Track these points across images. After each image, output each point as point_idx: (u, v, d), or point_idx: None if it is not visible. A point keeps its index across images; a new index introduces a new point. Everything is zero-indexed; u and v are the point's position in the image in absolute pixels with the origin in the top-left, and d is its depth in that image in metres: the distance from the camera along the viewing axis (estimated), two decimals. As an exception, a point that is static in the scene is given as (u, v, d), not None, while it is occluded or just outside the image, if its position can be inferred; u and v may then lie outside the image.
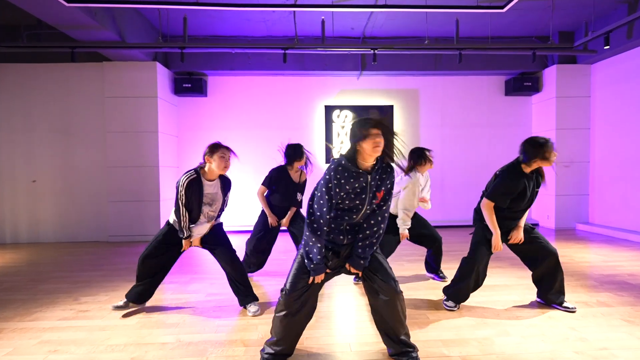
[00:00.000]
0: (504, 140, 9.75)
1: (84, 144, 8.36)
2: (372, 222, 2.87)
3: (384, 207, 2.89)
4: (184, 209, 3.82)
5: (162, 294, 4.66)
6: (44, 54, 8.13)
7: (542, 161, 3.66)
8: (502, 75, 9.79)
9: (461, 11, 6.25)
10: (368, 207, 2.83)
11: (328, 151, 9.42)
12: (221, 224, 4.21)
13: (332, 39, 8.82)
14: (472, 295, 4.15)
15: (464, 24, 8.18)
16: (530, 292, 4.48)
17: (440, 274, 5.15)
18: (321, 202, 2.76)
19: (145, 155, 8.29)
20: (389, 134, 2.72)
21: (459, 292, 4.02)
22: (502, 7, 5.74)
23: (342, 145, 9.51)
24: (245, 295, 4.09)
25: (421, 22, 8.10)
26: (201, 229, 3.96)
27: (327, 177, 2.73)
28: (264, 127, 9.48)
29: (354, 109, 9.53)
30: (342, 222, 2.85)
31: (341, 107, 9.52)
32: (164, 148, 8.61)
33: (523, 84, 9.32)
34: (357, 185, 2.73)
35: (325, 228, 2.78)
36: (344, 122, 9.52)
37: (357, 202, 2.79)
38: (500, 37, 9.03)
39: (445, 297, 4.14)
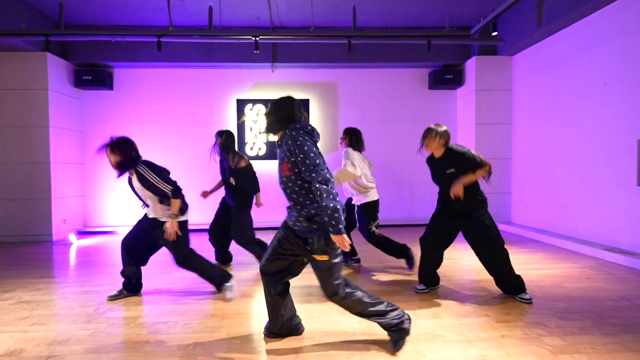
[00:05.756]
0: (429, 136, 9.29)
1: (-31, 138, 7.89)
2: None
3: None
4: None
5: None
6: None
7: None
8: (426, 68, 9.35)
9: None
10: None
11: (240, 144, 8.93)
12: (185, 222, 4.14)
13: (237, 29, 8.36)
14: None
15: (370, 14, 7.76)
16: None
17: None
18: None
19: (36, 151, 7.82)
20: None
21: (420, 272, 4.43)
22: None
23: (255, 142, 9.08)
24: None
25: (329, 12, 7.69)
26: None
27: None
28: (175, 122, 9.04)
29: (267, 103, 9.08)
30: None
31: (254, 101, 9.07)
32: (59, 143, 8.13)
33: (444, 76, 8.89)
34: None
35: None
36: (257, 117, 9.07)
37: None
38: (414, 27, 8.56)
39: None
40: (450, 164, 4.04)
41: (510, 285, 4.10)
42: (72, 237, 7.84)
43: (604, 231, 6.17)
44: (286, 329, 3.20)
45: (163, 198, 3.99)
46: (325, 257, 2.81)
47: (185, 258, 4.10)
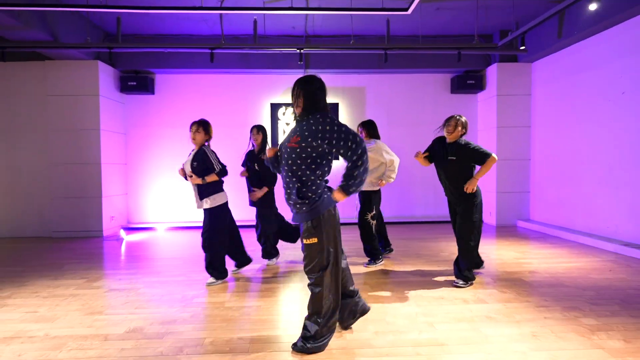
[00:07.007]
0: (451, 137, 9.83)
1: (27, 142, 8.48)
2: None
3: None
4: None
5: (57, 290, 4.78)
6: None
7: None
8: (449, 73, 9.90)
9: (374, 13, 6.34)
10: None
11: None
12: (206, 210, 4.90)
13: (273, 38, 8.93)
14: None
15: (401, 24, 8.30)
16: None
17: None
18: None
19: (88, 153, 8.42)
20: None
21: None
22: (406, 9, 5.83)
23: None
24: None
25: (362, 22, 8.22)
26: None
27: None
28: (212, 124, 9.56)
29: (300, 106, 9.63)
30: None
31: (287, 105, 9.63)
32: (108, 145, 8.72)
33: (466, 82, 9.42)
34: None
35: None
36: (289, 120, 9.65)
37: None
38: (441, 35, 9.13)
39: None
40: (454, 152, 4.68)
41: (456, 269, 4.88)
42: (122, 233, 8.41)
43: (623, 228, 6.72)
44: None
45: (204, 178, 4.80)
46: (314, 240, 2.97)
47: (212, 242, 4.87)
